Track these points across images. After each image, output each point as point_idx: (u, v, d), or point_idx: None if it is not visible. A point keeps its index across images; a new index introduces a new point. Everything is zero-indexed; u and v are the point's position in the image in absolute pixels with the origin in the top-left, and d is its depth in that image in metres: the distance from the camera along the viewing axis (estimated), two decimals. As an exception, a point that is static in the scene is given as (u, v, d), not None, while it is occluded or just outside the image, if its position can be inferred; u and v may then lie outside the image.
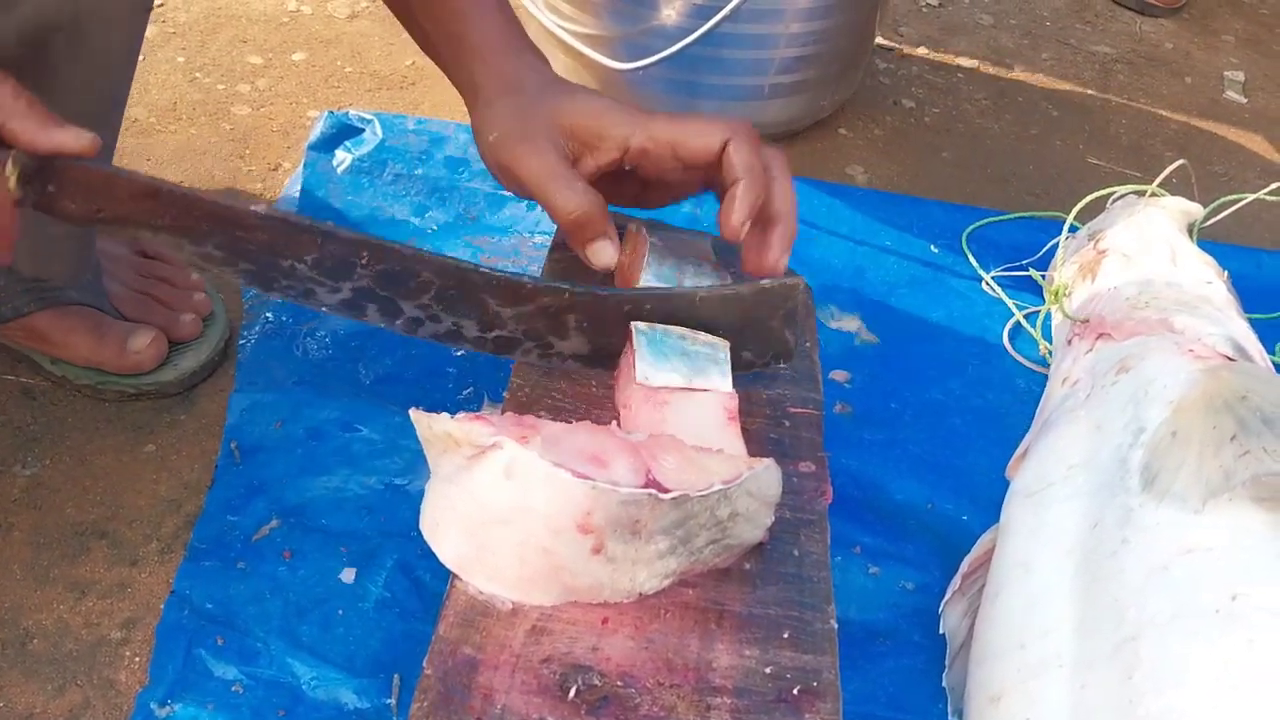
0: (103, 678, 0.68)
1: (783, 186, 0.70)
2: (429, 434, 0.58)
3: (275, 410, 0.83)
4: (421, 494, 0.61)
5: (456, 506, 0.58)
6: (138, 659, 0.69)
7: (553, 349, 0.69)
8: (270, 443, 0.81)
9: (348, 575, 0.73)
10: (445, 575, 0.58)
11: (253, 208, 0.63)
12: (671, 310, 0.69)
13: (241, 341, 0.88)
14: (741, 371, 0.70)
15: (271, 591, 0.72)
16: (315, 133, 1.09)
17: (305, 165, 1.05)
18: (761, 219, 0.69)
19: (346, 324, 0.91)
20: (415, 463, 0.80)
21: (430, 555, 0.59)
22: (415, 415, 0.57)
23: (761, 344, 0.71)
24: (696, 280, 0.72)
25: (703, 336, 0.68)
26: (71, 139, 0.57)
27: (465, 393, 0.87)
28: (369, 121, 1.11)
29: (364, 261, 0.64)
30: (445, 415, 0.57)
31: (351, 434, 0.82)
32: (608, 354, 0.69)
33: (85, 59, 0.71)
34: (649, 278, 0.71)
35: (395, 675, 0.68)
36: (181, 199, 0.61)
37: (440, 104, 1.18)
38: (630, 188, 0.75)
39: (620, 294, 0.68)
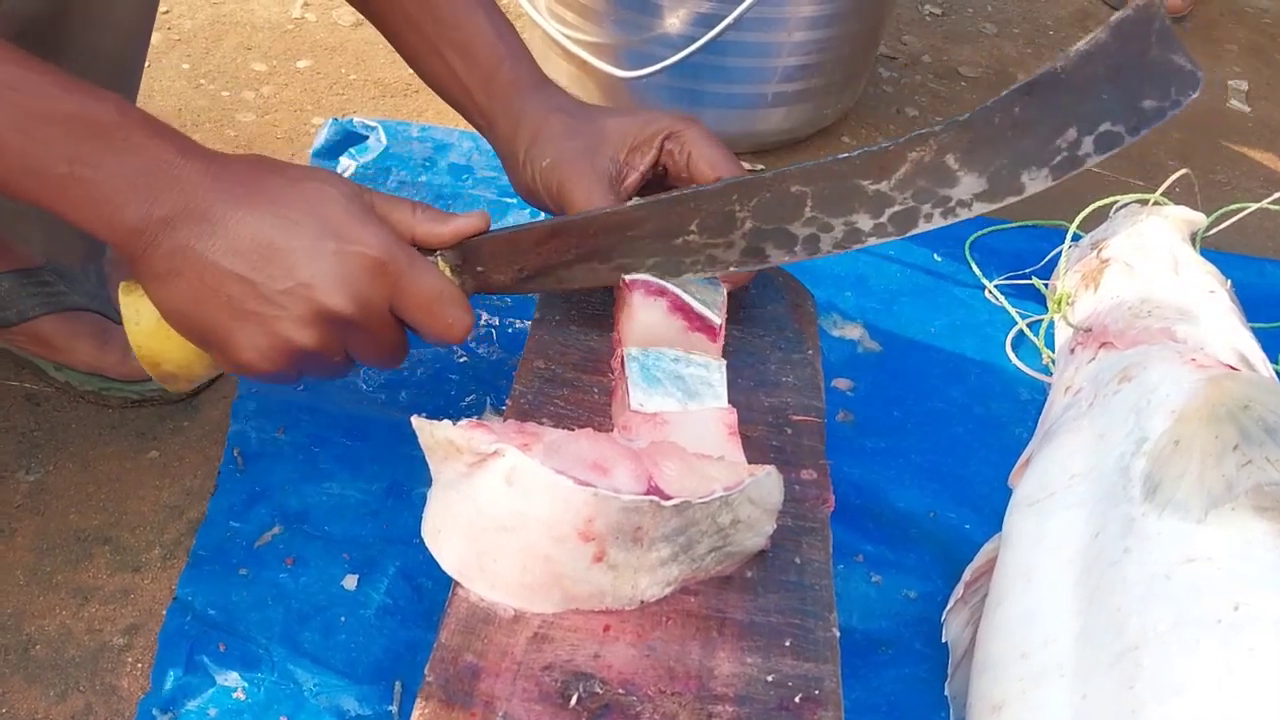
0: (105, 684, 0.68)
1: None
2: (431, 441, 0.58)
3: (278, 417, 0.83)
4: (423, 501, 0.61)
5: (458, 514, 0.58)
6: (140, 665, 0.69)
7: (951, 200, 0.66)
8: (273, 449, 0.81)
9: (350, 582, 0.73)
10: (447, 582, 0.58)
11: (629, 203, 0.69)
12: (988, 126, 0.64)
13: (245, 348, 0.88)
14: (1116, 146, 0.65)
15: (274, 598, 0.72)
16: (319, 140, 1.09)
17: (309, 172, 1.06)
18: None
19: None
20: (417, 469, 0.79)
21: (432, 562, 0.59)
22: (417, 422, 0.57)
23: (1154, 85, 0.65)
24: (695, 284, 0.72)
25: (696, 357, 0.68)
26: (465, 221, 0.67)
27: (467, 400, 0.87)
28: (373, 129, 1.11)
29: (738, 204, 0.67)
30: (447, 422, 0.57)
31: (354, 441, 0.82)
32: (1004, 184, 0.65)
33: (101, 28, 0.72)
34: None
35: (397, 682, 0.68)
36: (576, 225, 0.69)
37: (444, 111, 1.18)
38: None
39: (985, 109, 0.64)
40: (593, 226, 0.69)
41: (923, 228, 0.66)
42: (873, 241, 0.67)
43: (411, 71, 1.23)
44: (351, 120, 1.12)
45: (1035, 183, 0.65)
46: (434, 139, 1.12)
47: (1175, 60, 0.63)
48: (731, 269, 0.69)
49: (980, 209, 0.65)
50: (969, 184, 0.65)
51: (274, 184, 0.61)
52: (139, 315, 0.65)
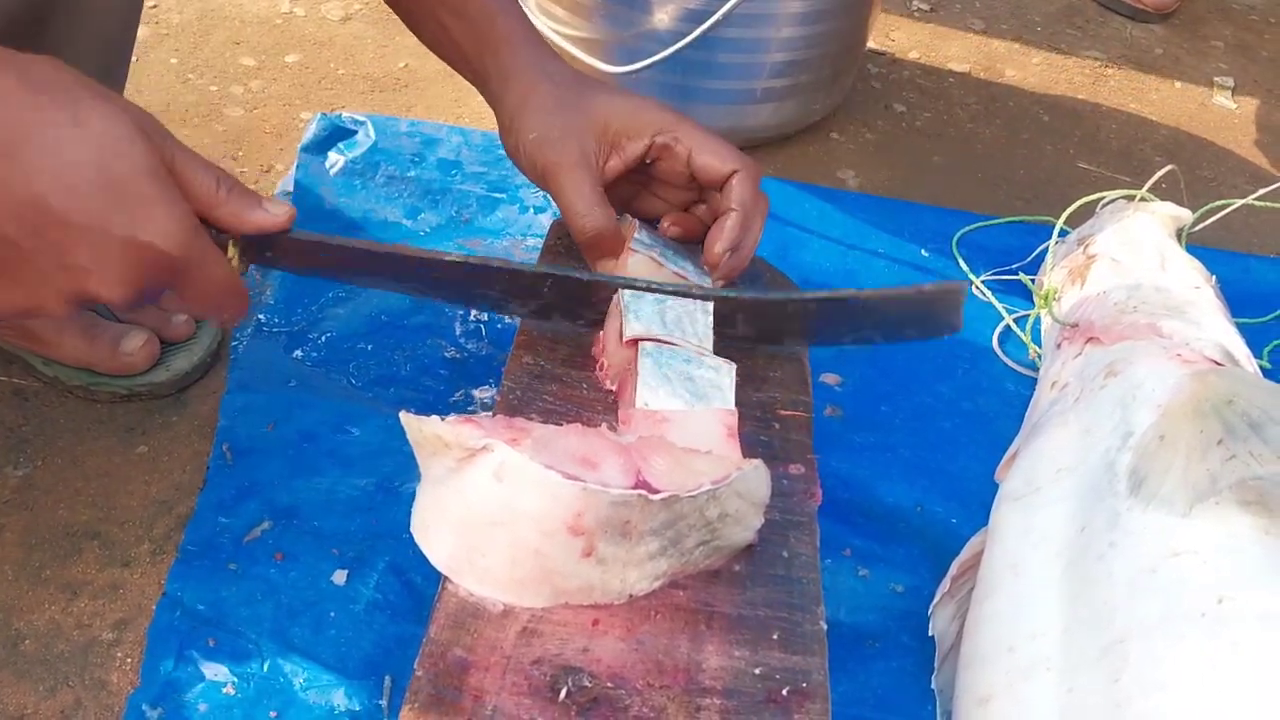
0: (94, 679, 0.68)
1: (757, 226, 0.76)
2: (419, 436, 0.58)
3: (267, 412, 0.83)
4: (413, 496, 0.61)
5: (447, 509, 0.58)
6: (129, 660, 0.69)
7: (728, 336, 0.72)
8: (262, 444, 0.81)
9: (339, 577, 0.74)
10: (437, 577, 0.59)
11: (446, 257, 0.69)
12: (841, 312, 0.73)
13: (234, 343, 0.88)
14: (890, 340, 0.75)
15: (263, 593, 0.72)
16: (308, 135, 1.09)
17: (298, 167, 1.06)
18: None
19: (339, 326, 0.91)
20: (407, 465, 0.79)
21: (422, 557, 0.59)
22: (405, 418, 0.58)
23: (922, 329, 0.74)
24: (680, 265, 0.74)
25: (709, 359, 0.68)
26: (270, 218, 0.61)
27: (456, 395, 0.87)
28: (362, 124, 1.11)
29: (548, 287, 0.71)
30: (435, 418, 0.57)
31: (343, 436, 0.82)
32: (774, 336, 0.75)
33: (85, 26, 0.72)
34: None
35: (386, 677, 0.68)
36: (387, 258, 0.68)
37: (433, 106, 1.18)
38: (625, 191, 0.77)
39: (790, 298, 0.74)
40: (405, 264, 0.69)
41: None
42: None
43: (400, 66, 1.23)
44: (340, 115, 1.12)
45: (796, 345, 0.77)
46: (423, 134, 1.12)
47: (953, 321, 0.72)
48: (513, 317, 0.74)
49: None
50: (743, 330, 0.74)
51: (57, 119, 0.52)
52: None
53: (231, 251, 0.62)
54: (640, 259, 0.73)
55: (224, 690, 0.67)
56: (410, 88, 1.21)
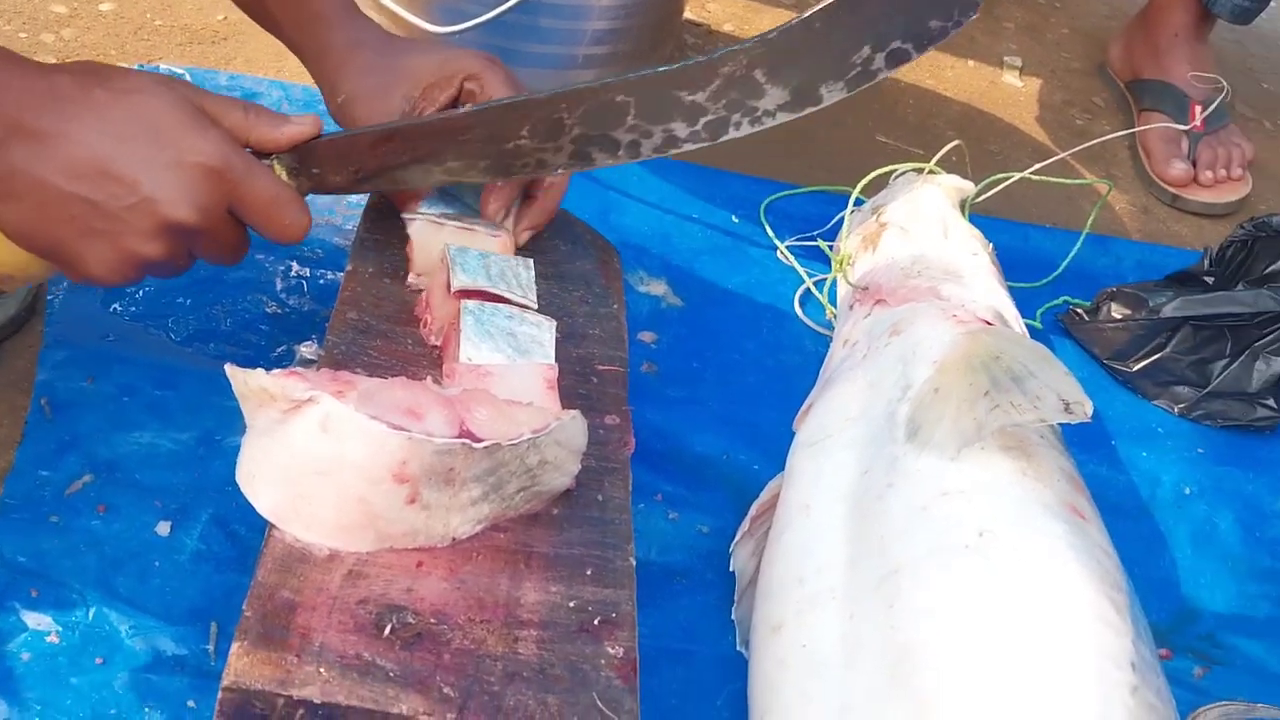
0: (-90, 632, 0.68)
1: (556, 189, 0.81)
2: (245, 389, 0.59)
3: (86, 366, 0.82)
4: (236, 449, 0.62)
5: (273, 459, 0.60)
6: (-53, 613, 0.69)
7: (758, 110, 0.70)
8: (81, 398, 0.81)
9: (163, 528, 0.74)
10: (261, 527, 0.60)
11: (461, 109, 0.73)
12: (792, 43, 0.69)
13: (50, 296, 0.87)
14: (904, 62, 0.70)
15: (86, 545, 0.72)
16: (123, 86, 1.07)
17: (113, 119, 1.04)
18: (528, 195, 0.81)
19: (156, 280, 0.90)
20: (228, 419, 0.80)
21: (245, 508, 0.60)
22: (231, 370, 0.59)
23: (939, 8, 0.70)
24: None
25: (530, 315, 0.72)
26: (298, 128, 0.69)
27: (278, 350, 0.88)
28: (180, 76, 1.10)
29: (566, 111, 0.70)
30: (261, 370, 0.58)
31: (164, 390, 0.82)
32: (805, 95, 0.70)
33: None
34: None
35: (213, 623, 0.70)
36: (409, 130, 0.71)
37: (253, 59, 1.18)
38: None
39: (789, 27, 0.69)
40: (425, 131, 0.72)
41: (732, 135, 0.71)
42: (688, 147, 0.71)
43: (220, 19, 1.22)
44: (158, 67, 1.10)
45: (832, 94, 0.70)
46: (243, 88, 1.11)
47: None
48: (558, 172, 0.75)
49: (784, 118, 0.71)
50: (774, 95, 0.70)
51: (102, 97, 0.61)
52: None
53: (278, 169, 0.69)
54: (420, 224, 0.76)
55: (48, 639, 0.67)
56: (230, 40, 1.20)
